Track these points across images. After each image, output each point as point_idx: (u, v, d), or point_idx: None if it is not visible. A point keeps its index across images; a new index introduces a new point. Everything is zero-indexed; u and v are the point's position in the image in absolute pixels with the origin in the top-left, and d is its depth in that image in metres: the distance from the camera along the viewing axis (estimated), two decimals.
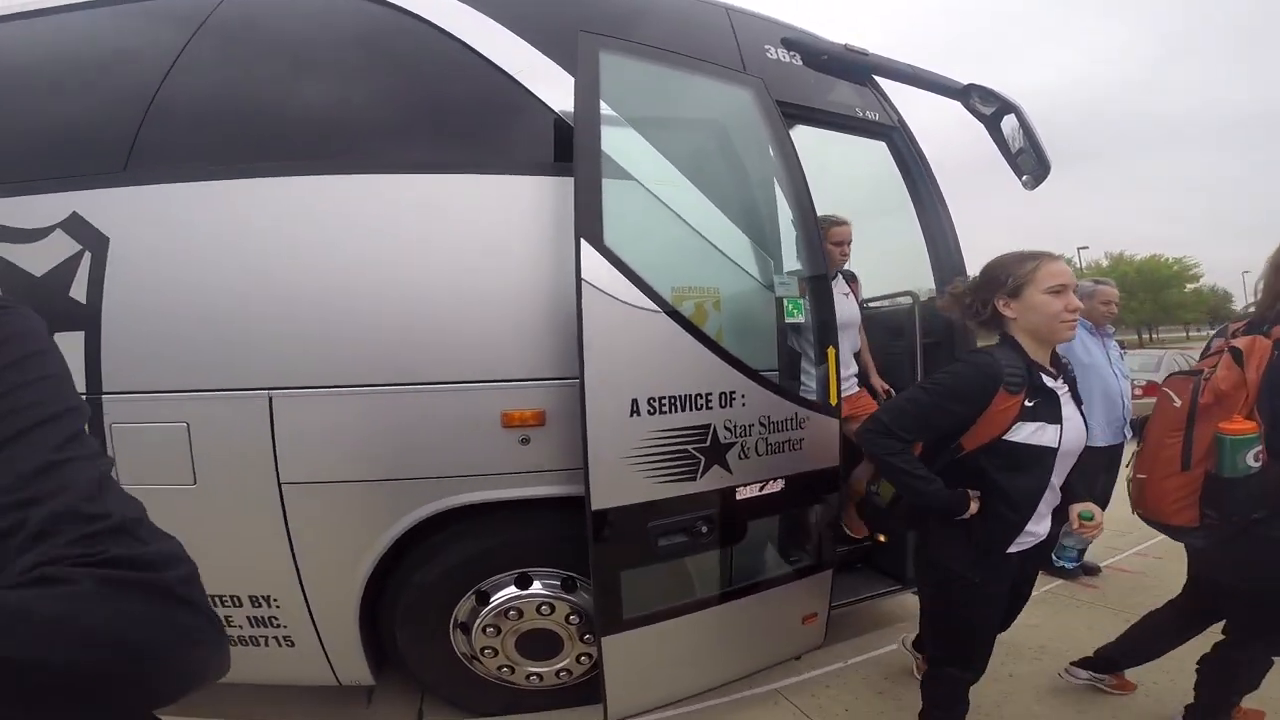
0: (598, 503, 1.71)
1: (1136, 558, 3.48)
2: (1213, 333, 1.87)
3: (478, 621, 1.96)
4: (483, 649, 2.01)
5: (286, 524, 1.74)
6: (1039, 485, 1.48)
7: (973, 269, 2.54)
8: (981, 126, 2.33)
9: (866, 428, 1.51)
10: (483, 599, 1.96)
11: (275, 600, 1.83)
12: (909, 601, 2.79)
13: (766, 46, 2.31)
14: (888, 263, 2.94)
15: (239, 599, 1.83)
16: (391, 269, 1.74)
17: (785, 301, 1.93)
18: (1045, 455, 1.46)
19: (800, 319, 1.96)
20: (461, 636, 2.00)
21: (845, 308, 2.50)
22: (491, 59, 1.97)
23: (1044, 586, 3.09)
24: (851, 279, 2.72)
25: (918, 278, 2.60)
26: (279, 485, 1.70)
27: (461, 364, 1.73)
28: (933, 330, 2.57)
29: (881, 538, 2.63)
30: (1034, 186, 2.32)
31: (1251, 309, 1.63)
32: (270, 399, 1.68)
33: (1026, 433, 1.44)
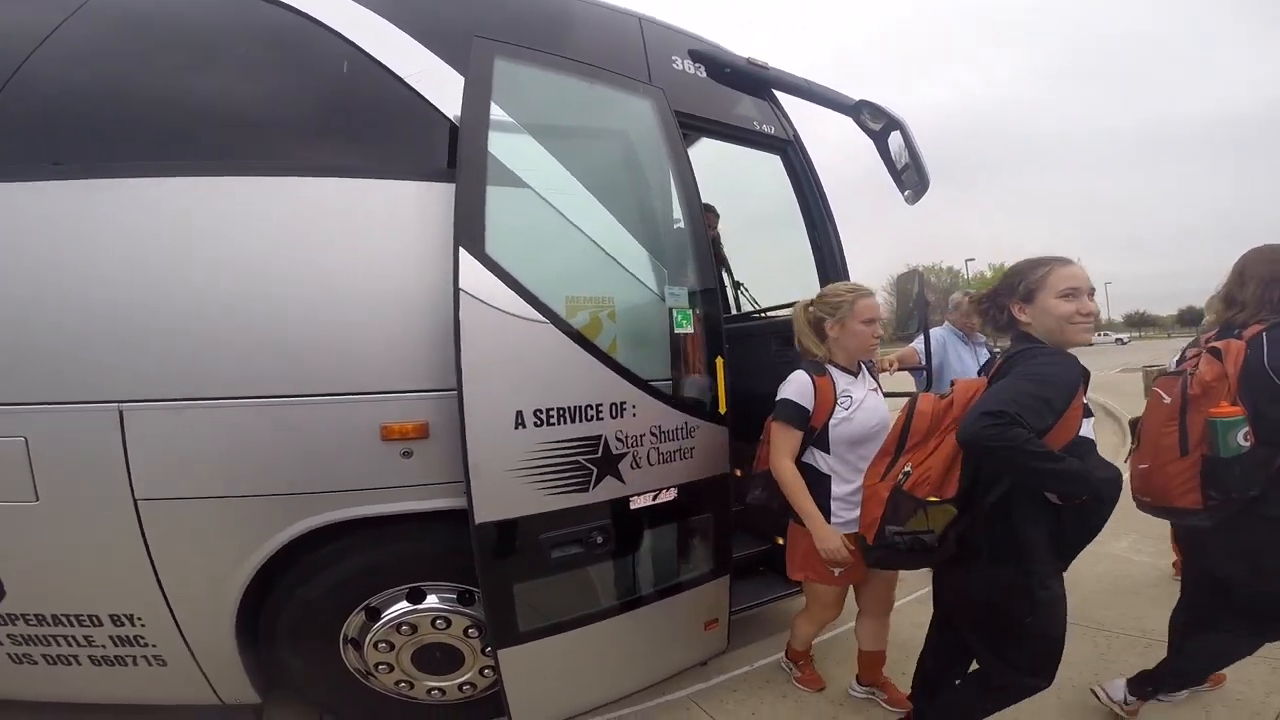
0: (482, 516, 1.66)
1: None
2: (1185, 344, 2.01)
3: (369, 637, 1.88)
4: (377, 664, 1.93)
5: (145, 541, 1.62)
6: (1117, 474, 1.40)
7: (861, 279, 2.60)
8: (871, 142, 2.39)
9: (984, 424, 1.27)
10: (373, 614, 1.88)
11: (139, 619, 1.72)
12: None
13: (673, 57, 2.31)
14: (781, 273, 2.96)
15: (98, 618, 1.71)
16: (261, 275, 1.64)
17: (674, 312, 1.92)
18: (1093, 448, 1.44)
19: (689, 329, 1.95)
20: (353, 652, 1.92)
21: (875, 408, 1.90)
22: (383, 61, 1.88)
23: (930, 585, 3.21)
24: (871, 367, 2.07)
25: (810, 288, 2.62)
26: (134, 502, 1.59)
27: (336, 375, 1.64)
28: None
29: (780, 540, 2.67)
30: (914, 201, 2.40)
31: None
32: (120, 412, 1.55)
33: (1086, 427, 1.42)
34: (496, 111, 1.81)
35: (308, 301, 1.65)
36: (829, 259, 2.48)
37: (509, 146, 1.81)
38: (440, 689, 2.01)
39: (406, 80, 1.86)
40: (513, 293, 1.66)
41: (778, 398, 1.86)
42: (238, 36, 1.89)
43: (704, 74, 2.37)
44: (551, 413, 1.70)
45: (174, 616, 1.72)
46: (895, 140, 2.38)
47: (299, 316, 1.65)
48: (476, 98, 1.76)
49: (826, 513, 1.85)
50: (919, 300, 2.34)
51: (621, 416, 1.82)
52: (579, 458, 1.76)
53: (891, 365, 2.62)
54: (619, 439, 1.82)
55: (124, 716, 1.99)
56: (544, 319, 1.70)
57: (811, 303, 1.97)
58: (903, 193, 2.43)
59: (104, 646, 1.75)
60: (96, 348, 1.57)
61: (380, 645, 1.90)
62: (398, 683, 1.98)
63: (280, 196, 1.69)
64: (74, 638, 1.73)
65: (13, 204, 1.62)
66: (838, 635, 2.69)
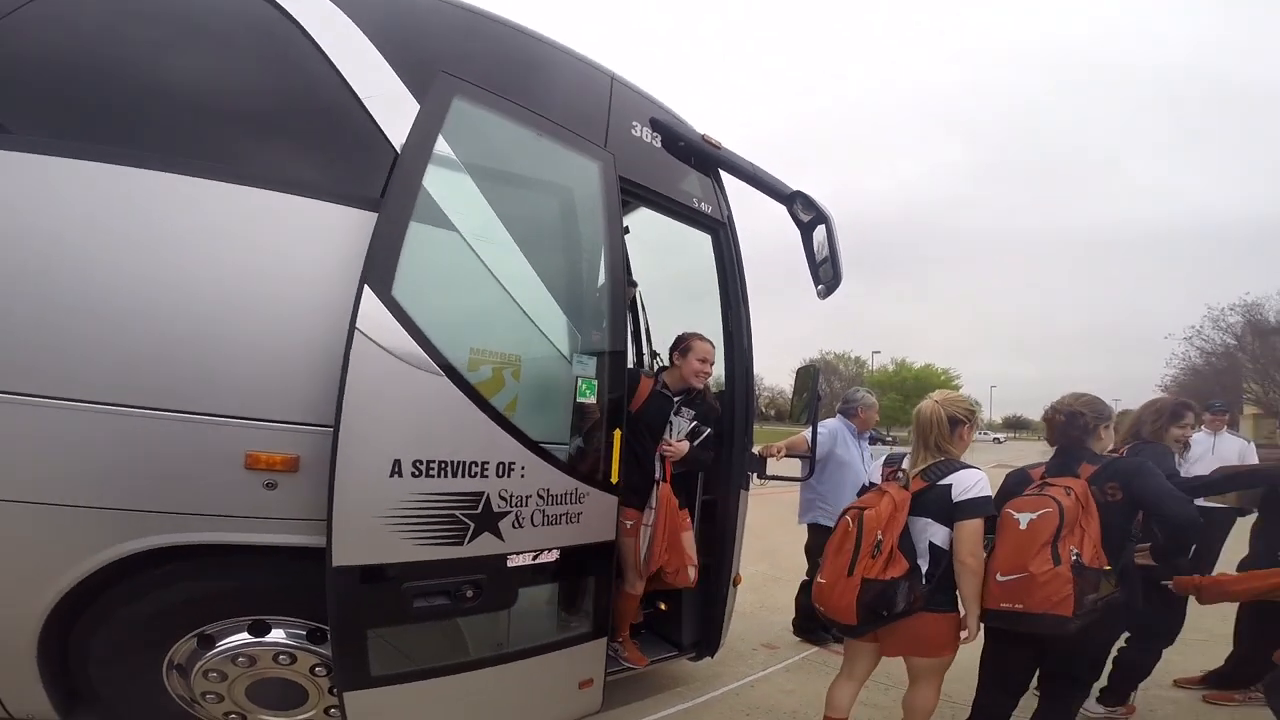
0: (341, 559, 1.56)
1: None
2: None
3: (199, 665, 1.75)
4: (204, 694, 1.79)
5: None
6: None
7: (775, 363, 2.72)
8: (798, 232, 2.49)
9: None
10: (206, 642, 1.75)
11: None
12: (686, 667, 2.87)
13: (634, 122, 2.33)
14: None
15: None
16: (137, 277, 1.52)
17: (579, 381, 1.91)
18: None
19: (591, 399, 1.95)
20: (178, 679, 1.77)
21: None
22: (345, 74, 1.78)
23: (800, 654, 3.32)
24: None
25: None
26: None
27: (200, 394, 1.53)
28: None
29: (663, 605, 2.69)
30: (825, 296, 2.50)
31: None
32: None
33: None
34: (442, 150, 1.76)
35: (183, 312, 1.54)
36: (737, 343, 2.54)
37: (446, 188, 1.77)
38: None
39: (363, 100, 1.77)
40: (413, 341, 1.59)
41: (980, 495, 1.89)
42: (191, 20, 1.76)
43: (659, 143, 2.41)
44: (433, 465, 1.64)
45: None
46: (819, 234, 2.48)
47: (170, 327, 1.53)
48: (423, 135, 1.71)
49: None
50: (813, 395, 2.46)
51: (508, 476, 1.78)
52: (456, 512, 1.69)
53: (779, 451, 2.73)
54: (503, 497, 1.78)
55: None
56: (440, 372, 1.65)
57: (941, 403, 2.02)
58: (816, 286, 2.54)
59: None
60: None
61: (211, 674, 1.76)
62: (227, 714, 1.83)
63: (176, 196, 1.57)
64: None
65: None
66: None
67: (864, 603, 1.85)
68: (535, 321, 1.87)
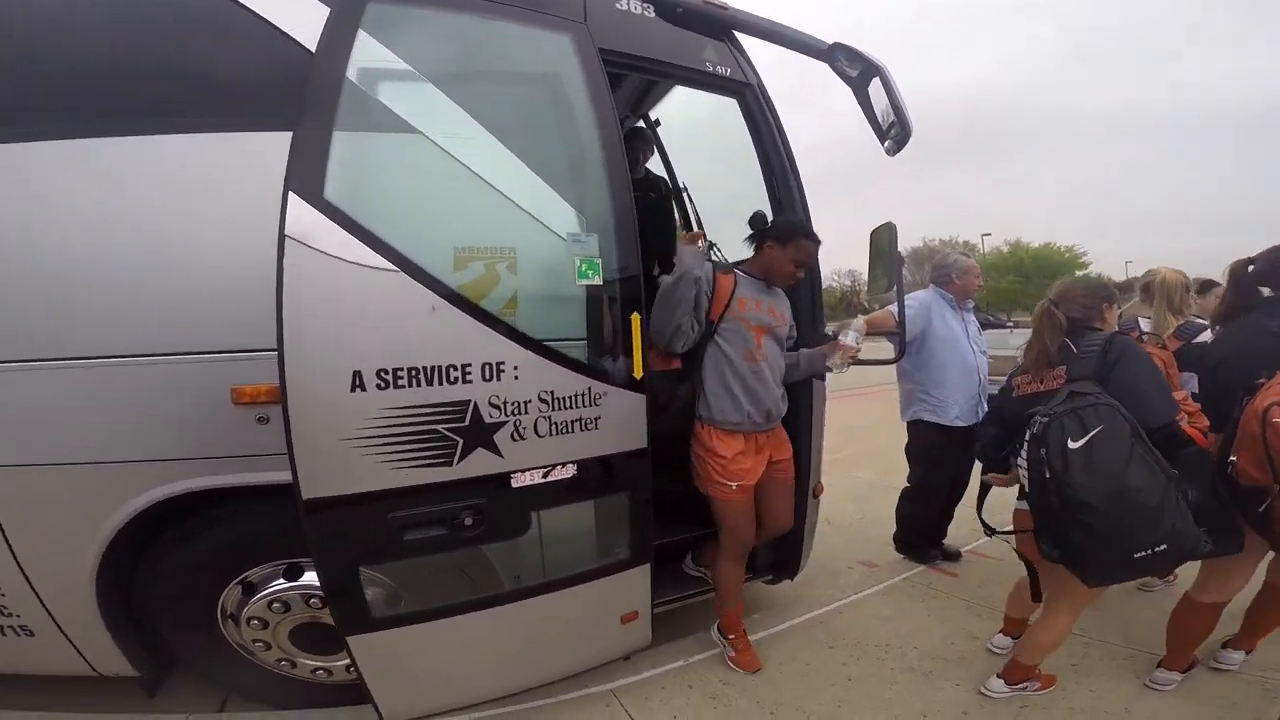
0: (311, 491, 1.41)
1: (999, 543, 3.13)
2: None
3: (244, 613, 1.73)
4: (254, 641, 1.78)
5: None
6: None
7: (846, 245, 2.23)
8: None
9: None
10: (250, 589, 1.72)
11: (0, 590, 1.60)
12: (762, 591, 2.54)
13: None
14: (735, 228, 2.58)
15: None
16: (96, 229, 1.46)
17: (579, 261, 1.62)
18: None
19: (595, 280, 1.66)
20: (234, 628, 1.77)
21: None
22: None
23: (902, 574, 2.83)
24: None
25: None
26: None
27: (178, 334, 1.45)
28: None
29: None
30: (895, 152, 2.06)
31: None
32: None
33: None
34: (366, 47, 1.53)
35: (148, 254, 1.46)
36: (790, 209, 2.15)
37: (400, 90, 1.57)
38: (326, 669, 1.85)
39: (266, 17, 1.58)
40: (353, 238, 1.40)
41: None
42: None
43: (653, 14, 2.05)
44: (400, 374, 1.44)
45: (32, 586, 1.59)
46: (875, 87, 2.05)
47: (138, 271, 1.46)
48: (337, 36, 1.50)
49: None
50: (893, 256, 2.02)
51: (498, 379, 1.55)
52: (439, 426, 1.50)
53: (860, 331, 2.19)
54: (494, 405, 1.55)
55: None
56: (395, 268, 1.44)
57: (1177, 272, 2.39)
58: (882, 143, 2.10)
59: None
60: None
61: (254, 622, 1.74)
62: (279, 660, 1.83)
63: (121, 157, 1.49)
64: None
65: None
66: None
67: None
68: (511, 198, 1.61)
